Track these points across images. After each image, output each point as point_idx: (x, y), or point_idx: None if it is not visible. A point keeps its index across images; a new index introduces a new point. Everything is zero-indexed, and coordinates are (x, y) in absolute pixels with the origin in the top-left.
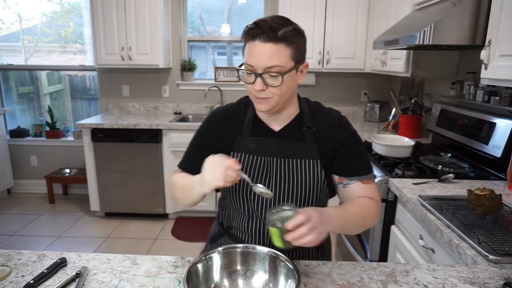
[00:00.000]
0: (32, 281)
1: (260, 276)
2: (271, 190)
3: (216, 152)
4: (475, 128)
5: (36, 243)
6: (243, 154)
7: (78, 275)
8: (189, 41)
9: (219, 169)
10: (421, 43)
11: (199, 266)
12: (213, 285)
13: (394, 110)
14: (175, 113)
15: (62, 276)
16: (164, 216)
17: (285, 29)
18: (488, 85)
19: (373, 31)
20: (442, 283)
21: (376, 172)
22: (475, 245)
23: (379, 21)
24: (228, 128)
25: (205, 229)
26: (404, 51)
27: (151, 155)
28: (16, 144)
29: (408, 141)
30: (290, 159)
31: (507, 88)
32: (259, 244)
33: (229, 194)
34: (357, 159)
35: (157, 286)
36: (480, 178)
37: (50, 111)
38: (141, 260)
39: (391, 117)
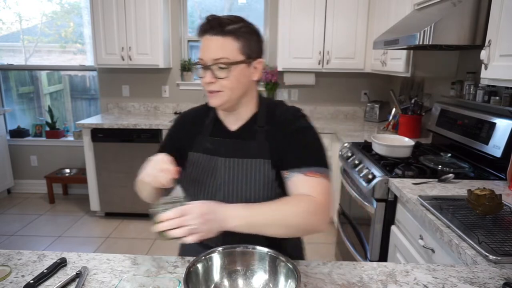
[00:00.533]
0: (32, 281)
1: (260, 276)
2: (218, 192)
3: (183, 152)
4: (475, 128)
5: (36, 243)
6: (198, 154)
7: (78, 275)
8: (189, 41)
9: (154, 168)
10: (421, 43)
11: (199, 266)
12: (213, 285)
13: (394, 110)
14: (175, 113)
15: (62, 276)
16: None
17: (235, 25)
18: (488, 85)
19: (373, 31)
20: (442, 283)
21: (376, 172)
22: (475, 245)
23: (379, 21)
24: (193, 128)
25: None
26: (404, 51)
27: (151, 155)
28: (16, 144)
29: (408, 141)
30: (240, 159)
31: (507, 88)
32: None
33: (184, 189)
34: (303, 151)
35: (157, 286)
36: (480, 178)
37: (50, 111)
38: (141, 260)
39: (391, 117)
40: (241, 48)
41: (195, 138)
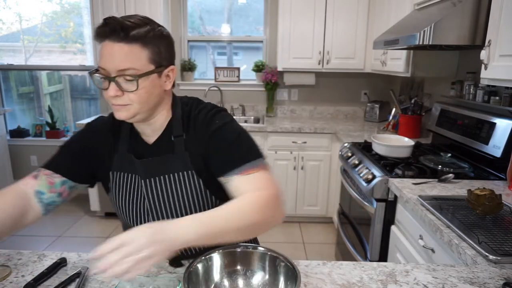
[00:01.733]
0: (32, 281)
1: (260, 276)
2: (150, 212)
3: (90, 163)
4: (475, 128)
5: (36, 243)
6: (122, 173)
7: (78, 275)
8: (189, 41)
9: None
10: (421, 43)
11: (199, 266)
12: (213, 285)
13: (394, 110)
14: None
15: (62, 276)
16: None
17: (140, 29)
18: (488, 85)
19: (373, 31)
20: (442, 283)
21: (376, 172)
22: (475, 245)
23: (379, 21)
24: (106, 143)
25: None
26: (404, 51)
27: None
28: (16, 144)
29: (408, 141)
30: (162, 176)
31: (507, 88)
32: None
33: (116, 210)
34: (229, 152)
35: (157, 286)
36: (480, 178)
37: (50, 111)
38: None
39: (391, 117)
40: (150, 56)
41: (112, 155)
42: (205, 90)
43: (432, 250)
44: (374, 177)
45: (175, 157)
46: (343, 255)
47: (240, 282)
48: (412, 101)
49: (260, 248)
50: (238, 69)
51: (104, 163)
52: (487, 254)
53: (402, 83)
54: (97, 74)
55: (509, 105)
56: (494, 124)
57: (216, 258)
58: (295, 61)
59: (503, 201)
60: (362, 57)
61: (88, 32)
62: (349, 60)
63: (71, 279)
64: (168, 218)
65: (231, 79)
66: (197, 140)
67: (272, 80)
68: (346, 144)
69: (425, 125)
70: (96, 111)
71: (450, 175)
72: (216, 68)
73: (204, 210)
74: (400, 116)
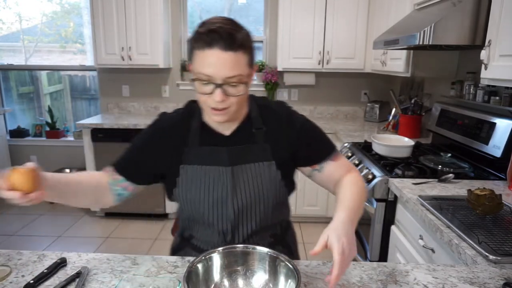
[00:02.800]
0: (32, 281)
1: (260, 276)
2: (227, 199)
3: (156, 162)
4: (475, 128)
5: (36, 243)
6: (194, 166)
7: (78, 275)
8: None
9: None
10: (421, 43)
11: (199, 266)
12: (213, 285)
13: (394, 110)
14: None
15: (62, 276)
16: (164, 216)
17: (240, 35)
18: (488, 85)
19: (373, 31)
20: (442, 283)
21: (376, 172)
22: (475, 245)
23: (379, 21)
24: (174, 138)
25: None
26: (404, 51)
27: None
28: (16, 144)
29: (408, 141)
30: (244, 165)
31: (507, 88)
32: None
33: (184, 205)
34: (318, 143)
35: (157, 286)
36: (480, 178)
37: (50, 111)
38: (141, 260)
39: (391, 117)
40: (248, 60)
41: (181, 150)
42: None
43: (432, 250)
44: (374, 177)
45: (257, 147)
46: None
47: (240, 282)
48: (412, 101)
49: (260, 248)
50: None
51: (171, 159)
52: (487, 254)
53: (402, 83)
54: (202, 82)
55: (509, 105)
56: (494, 124)
57: (216, 258)
58: (295, 61)
59: (503, 201)
60: (362, 57)
61: (88, 32)
62: (349, 60)
63: (71, 279)
64: (243, 206)
65: None
66: (280, 134)
67: (272, 80)
68: (346, 144)
69: (425, 125)
70: (96, 111)
71: (450, 175)
72: None
73: (276, 199)
74: (400, 116)
